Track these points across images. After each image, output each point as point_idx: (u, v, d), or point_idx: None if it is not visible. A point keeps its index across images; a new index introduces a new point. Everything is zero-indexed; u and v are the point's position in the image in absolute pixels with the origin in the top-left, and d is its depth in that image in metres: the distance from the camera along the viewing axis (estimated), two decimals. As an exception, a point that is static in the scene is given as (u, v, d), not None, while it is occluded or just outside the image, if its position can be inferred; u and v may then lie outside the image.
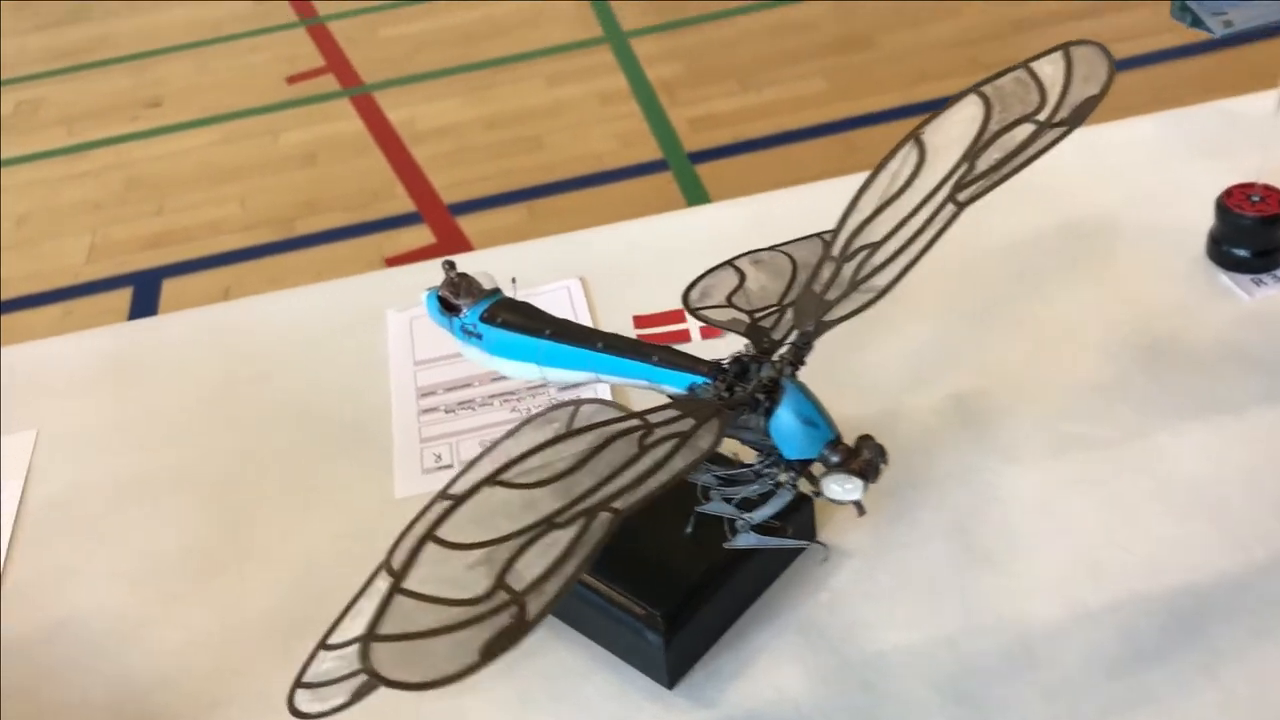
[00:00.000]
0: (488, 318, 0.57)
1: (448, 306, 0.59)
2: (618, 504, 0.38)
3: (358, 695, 0.45)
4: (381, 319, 0.80)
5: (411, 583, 0.34)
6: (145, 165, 2.73)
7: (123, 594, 0.64)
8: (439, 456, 0.69)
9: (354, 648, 0.46)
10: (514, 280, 0.59)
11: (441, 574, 0.35)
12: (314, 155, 2.67)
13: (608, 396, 0.61)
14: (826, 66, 2.70)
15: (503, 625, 0.33)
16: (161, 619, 0.62)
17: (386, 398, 0.74)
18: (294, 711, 0.47)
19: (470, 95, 2.80)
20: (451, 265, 0.59)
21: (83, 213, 2.59)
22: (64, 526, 0.69)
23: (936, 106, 0.55)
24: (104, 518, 0.69)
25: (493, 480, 0.39)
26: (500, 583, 0.35)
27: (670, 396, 0.51)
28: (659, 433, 0.42)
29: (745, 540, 0.50)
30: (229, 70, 3.04)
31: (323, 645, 0.48)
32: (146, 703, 0.58)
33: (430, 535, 0.36)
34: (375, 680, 0.32)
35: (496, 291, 0.58)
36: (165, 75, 3.04)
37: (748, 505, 0.49)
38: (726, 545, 0.50)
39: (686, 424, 0.43)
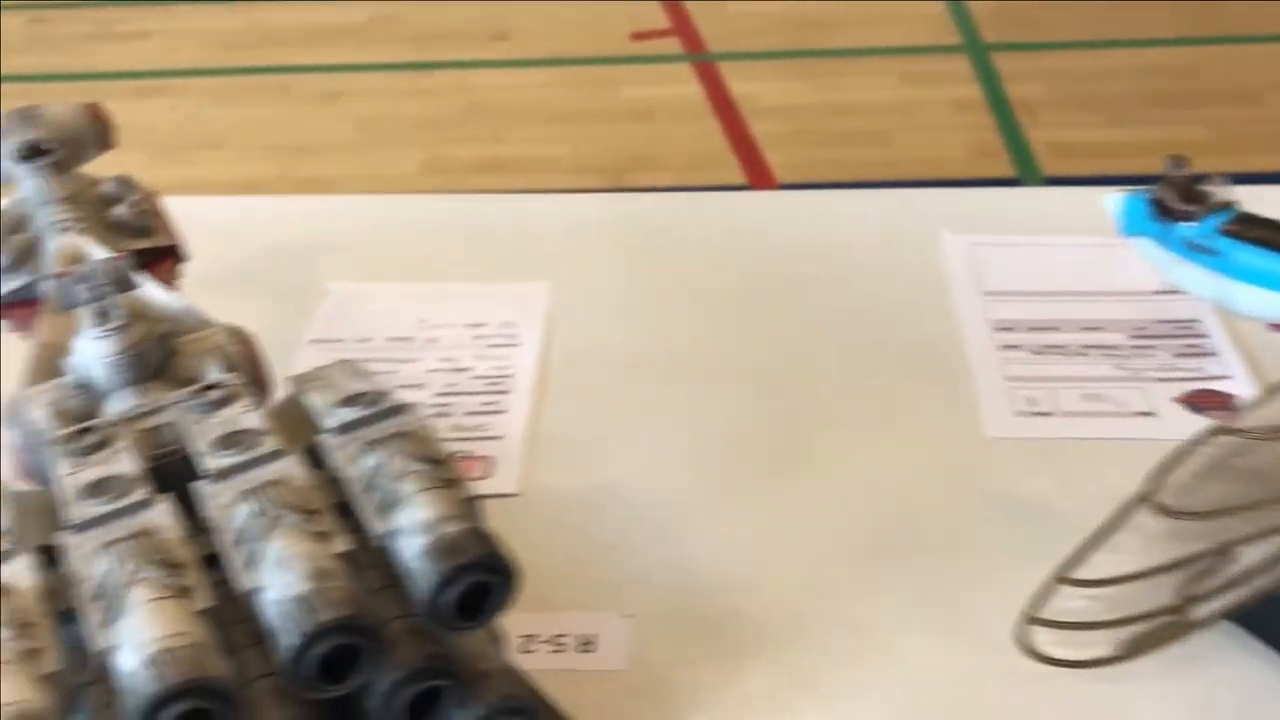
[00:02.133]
0: (1232, 232, 0.45)
1: (1166, 213, 0.47)
2: None
3: (1134, 650, 0.34)
4: (934, 238, 0.69)
5: None
6: (487, 93, 2.74)
7: (667, 473, 0.56)
8: (1033, 401, 0.58)
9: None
10: (1252, 197, 0.47)
11: None
12: (651, 112, 2.62)
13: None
14: (1207, 116, 2.49)
15: None
16: (717, 512, 0.54)
17: (951, 324, 0.64)
18: (1036, 654, 0.36)
19: (815, 80, 2.70)
20: (1181, 162, 0.47)
21: (421, 128, 2.61)
22: (587, 389, 0.61)
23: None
24: (633, 388, 0.61)
25: None
26: None
27: None
28: None
29: None
30: (576, 18, 3.02)
31: (1063, 579, 0.38)
32: (717, 598, 0.49)
33: None
34: None
35: (1232, 205, 0.47)
36: (513, 12, 3.05)
37: None
38: None
39: None
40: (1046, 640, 0.37)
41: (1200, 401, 0.58)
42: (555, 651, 0.47)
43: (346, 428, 0.34)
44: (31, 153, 0.51)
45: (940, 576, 0.50)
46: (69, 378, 0.39)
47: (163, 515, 0.32)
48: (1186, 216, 0.47)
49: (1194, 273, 0.47)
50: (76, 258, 0.46)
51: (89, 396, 0.39)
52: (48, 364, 0.41)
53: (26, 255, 0.47)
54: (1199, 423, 0.56)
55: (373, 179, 2.43)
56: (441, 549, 0.30)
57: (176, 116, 2.68)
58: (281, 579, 0.30)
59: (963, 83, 2.65)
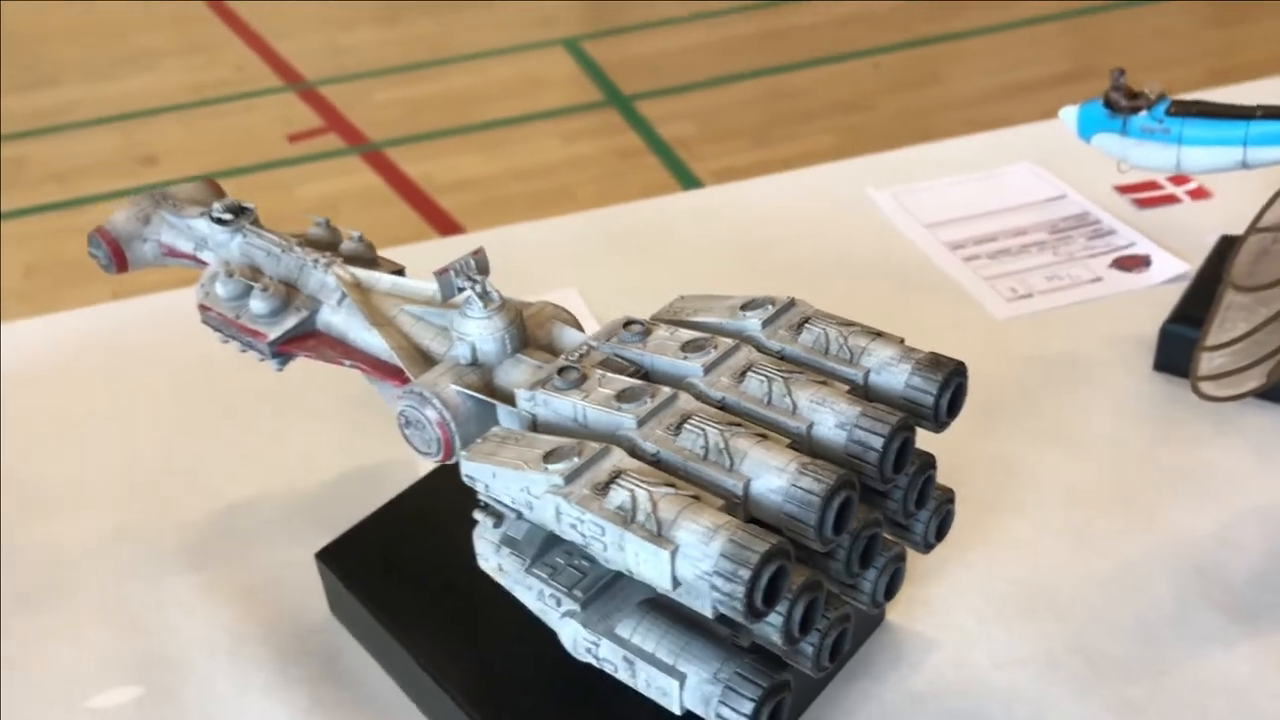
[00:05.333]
0: (1177, 111, 0.63)
1: (1118, 110, 0.64)
2: None
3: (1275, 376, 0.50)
4: (858, 197, 0.85)
5: None
6: (156, 217, 2.65)
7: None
8: (1014, 289, 0.74)
9: (1245, 342, 0.52)
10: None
11: None
12: (335, 206, 2.65)
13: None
14: (831, 125, 2.85)
15: None
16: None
17: (916, 254, 0.79)
18: (1206, 396, 0.51)
19: (486, 152, 2.84)
20: (1122, 71, 0.65)
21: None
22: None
23: None
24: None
25: None
26: None
27: None
28: None
29: None
30: (223, 129, 3.00)
31: (1204, 349, 0.53)
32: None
33: None
34: None
35: (1165, 95, 0.64)
36: (156, 135, 2.98)
37: None
38: None
39: None
40: (1215, 388, 0.52)
41: (1126, 264, 0.76)
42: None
43: (767, 322, 0.43)
44: (236, 212, 0.54)
45: (1022, 417, 0.64)
46: (455, 358, 0.45)
47: (689, 401, 0.40)
48: (1135, 110, 0.64)
49: (1151, 149, 0.64)
50: (355, 284, 0.51)
51: (482, 369, 0.45)
52: (411, 354, 0.47)
53: (288, 299, 0.51)
54: (1133, 280, 0.74)
55: (66, 321, 2.30)
56: (928, 365, 0.40)
57: None
58: (833, 411, 0.39)
59: (620, 132, 2.88)
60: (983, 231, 0.80)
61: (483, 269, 0.46)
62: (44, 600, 0.57)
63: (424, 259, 0.57)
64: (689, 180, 2.66)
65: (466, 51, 3.33)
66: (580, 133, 2.91)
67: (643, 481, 0.36)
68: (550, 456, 0.38)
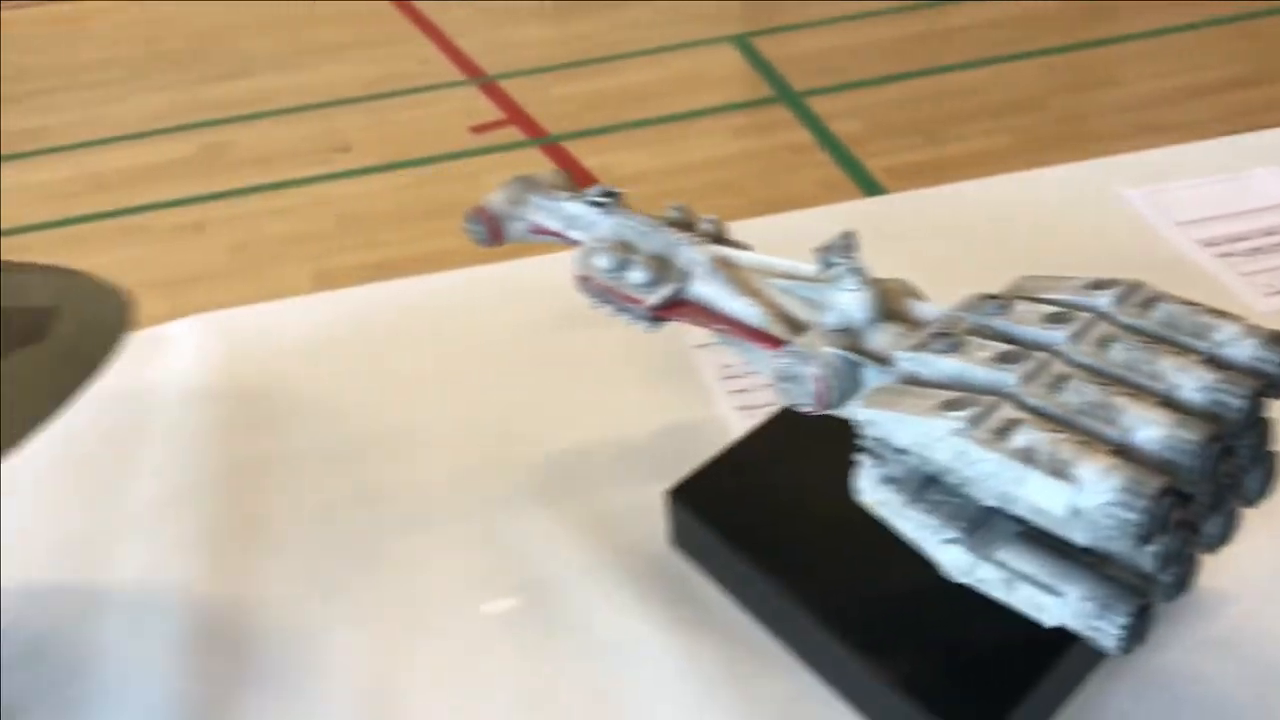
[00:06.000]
0: None
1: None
2: None
3: None
4: (1107, 197, 0.90)
5: None
6: (348, 203, 2.80)
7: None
8: (1271, 284, 0.79)
9: None
10: None
11: None
12: (518, 196, 2.75)
13: None
14: (1006, 125, 2.86)
15: None
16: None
17: (1169, 251, 0.84)
18: None
19: (656, 147, 2.92)
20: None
21: (296, 243, 2.66)
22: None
23: None
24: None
25: None
26: None
27: None
28: None
29: None
30: (409, 120, 3.13)
31: None
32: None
33: None
34: None
35: None
36: (347, 124, 3.14)
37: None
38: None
39: None
40: None
41: (1382, 261, 0.80)
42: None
43: (1119, 299, 0.50)
44: (608, 195, 0.63)
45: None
46: (827, 324, 0.52)
47: (1061, 365, 0.46)
48: None
49: None
50: (721, 259, 0.58)
51: (851, 334, 0.52)
52: (781, 320, 0.54)
53: (662, 270, 0.59)
54: (1388, 275, 0.78)
55: (269, 297, 2.46)
56: (1273, 339, 0.46)
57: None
58: (1193, 377, 0.45)
59: (789, 128, 2.93)
60: (1234, 231, 0.84)
61: (854, 248, 0.53)
62: (429, 524, 0.66)
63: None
64: (862, 176, 2.71)
65: (636, 48, 3.42)
66: (750, 128, 2.98)
67: (1039, 428, 0.43)
68: (949, 405, 0.45)
